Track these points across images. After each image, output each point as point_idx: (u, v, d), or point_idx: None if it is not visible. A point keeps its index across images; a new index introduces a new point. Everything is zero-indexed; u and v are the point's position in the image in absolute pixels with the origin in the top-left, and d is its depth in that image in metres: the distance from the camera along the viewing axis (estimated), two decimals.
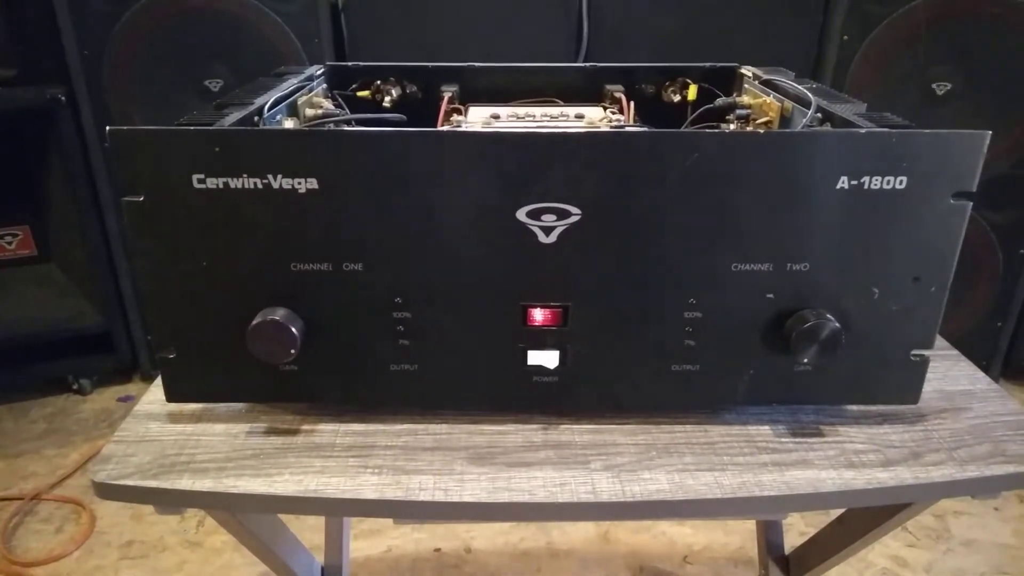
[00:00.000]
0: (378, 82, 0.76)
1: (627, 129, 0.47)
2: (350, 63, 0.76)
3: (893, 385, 0.55)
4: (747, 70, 0.74)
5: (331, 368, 0.55)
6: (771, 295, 0.52)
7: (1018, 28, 1.40)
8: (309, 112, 0.62)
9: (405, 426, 0.56)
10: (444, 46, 1.44)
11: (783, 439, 0.55)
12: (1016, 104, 1.47)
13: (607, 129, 0.48)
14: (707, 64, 0.76)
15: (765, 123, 0.62)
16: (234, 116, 0.53)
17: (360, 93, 0.76)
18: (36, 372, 1.71)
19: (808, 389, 0.55)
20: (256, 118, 0.56)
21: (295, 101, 0.62)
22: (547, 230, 0.50)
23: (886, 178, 0.49)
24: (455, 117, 0.60)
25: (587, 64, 0.77)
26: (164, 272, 0.51)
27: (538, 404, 0.57)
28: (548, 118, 0.66)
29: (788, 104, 0.61)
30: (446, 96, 0.73)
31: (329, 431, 0.56)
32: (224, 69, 1.47)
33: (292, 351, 0.51)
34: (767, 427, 0.56)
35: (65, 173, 1.54)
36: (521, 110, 0.69)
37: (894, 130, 0.49)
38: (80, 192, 1.54)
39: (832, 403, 0.57)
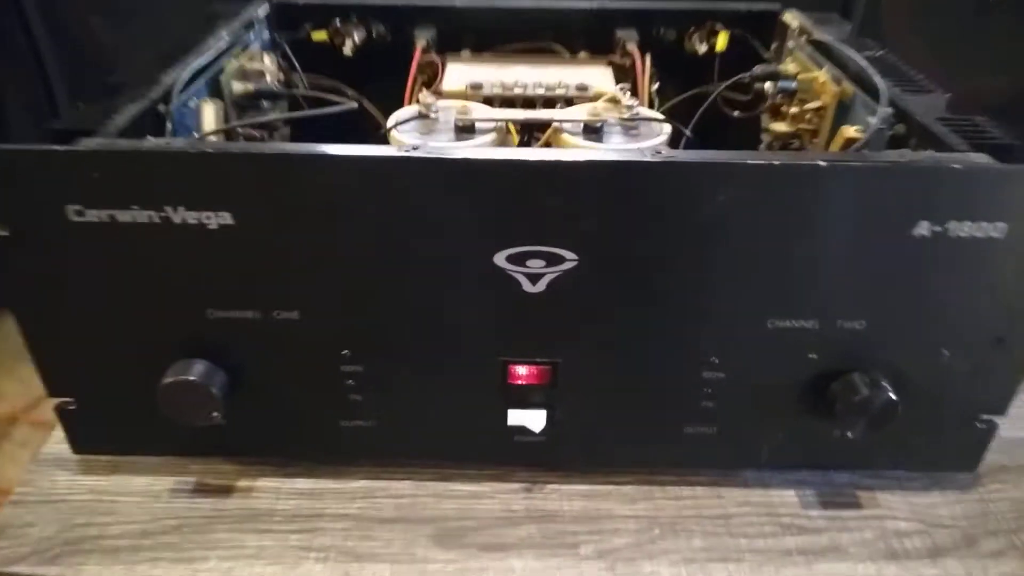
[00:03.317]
0: (337, 21, 0.62)
1: (642, 157, 0.35)
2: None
3: (949, 452, 0.46)
4: (792, 17, 0.60)
5: (267, 423, 0.45)
6: (814, 355, 0.42)
7: None
8: (237, 87, 0.49)
9: (361, 483, 0.47)
10: None
11: (811, 512, 0.46)
12: None
13: (613, 157, 0.36)
14: (742, 6, 0.62)
15: (816, 111, 0.49)
16: (127, 114, 0.41)
17: (315, 35, 0.62)
18: None
19: (846, 455, 0.46)
20: (161, 107, 0.43)
21: (221, 69, 0.49)
22: (534, 277, 0.39)
23: (980, 224, 0.37)
24: (424, 98, 0.47)
25: (594, 3, 0.62)
26: (50, 314, 0.41)
27: (521, 460, 0.47)
28: (543, 89, 0.52)
29: (847, 86, 0.48)
30: (419, 46, 0.59)
31: (270, 490, 0.47)
32: None
33: (214, 413, 0.42)
34: (792, 492, 0.47)
35: None
36: (510, 74, 0.55)
37: (1001, 166, 0.37)
38: None
39: (873, 468, 0.48)
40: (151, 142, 0.37)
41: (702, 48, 0.62)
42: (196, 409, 0.41)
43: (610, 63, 0.60)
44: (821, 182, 0.36)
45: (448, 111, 0.47)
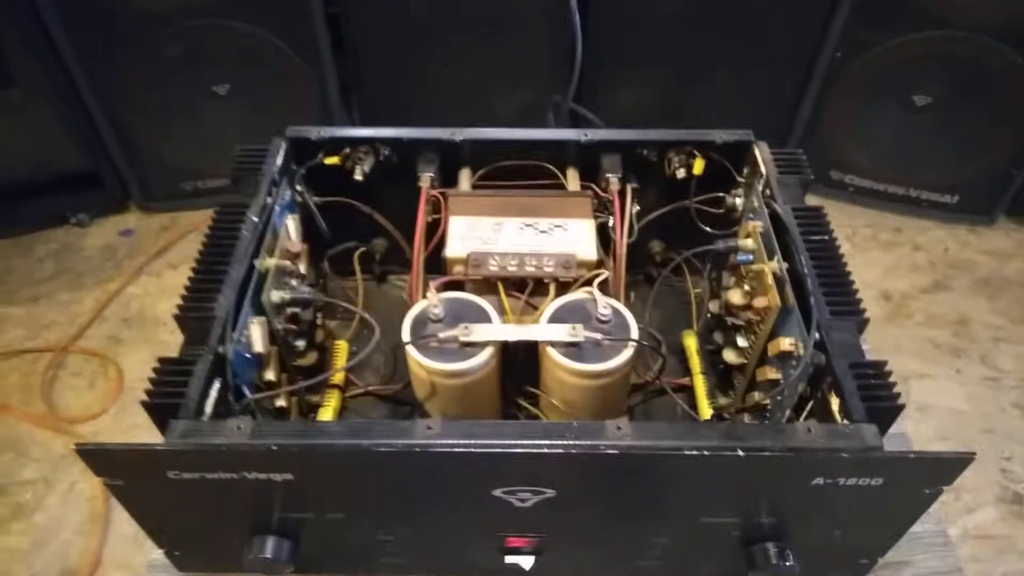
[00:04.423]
0: (347, 149, 0.68)
1: (604, 449, 0.45)
2: (313, 135, 0.67)
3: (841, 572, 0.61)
4: (761, 157, 0.65)
5: (326, 561, 0.59)
6: (737, 533, 0.55)
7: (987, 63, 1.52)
8: (275, 298, 0.57)
9: None
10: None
11: None
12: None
13: (582, 446, 0.47)
14: (718, 139, 0.67)
15: (762, 310, 0.58)
16: (198, 378, 0.51)
17: (328, 161, 0.68)
18: (31, 209, 1.71)
19: None
20: (221, 349, 0.53)
21: (261, 277, 0.57)
22: (523, 499, 0.51)
23: (863, 479, 0.49)
24: (432, 302, 0.55)
25: (583, 137, 0.67)
26: (159, 517, 0.54)
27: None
28: (533, 266, 0.61)
29: (789, 295, 0.56)
30: (424, 186, 0.66)
31: None
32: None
33: (286, 570, 0.56)
34: None
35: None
36: (506, 234, 0.63)
37: (882, 454, 0.47)
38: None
39: None
40: (223, 436, 0.48)
41: (680, 172, 0.68)
42: (272, 569, 0.56)
43: (595, 195, 0.67)
44: (742, 462, 0.47)
45: (452, 327, 0.56)
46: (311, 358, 0.64)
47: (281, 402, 0.59)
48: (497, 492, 0.50)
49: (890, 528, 0.55)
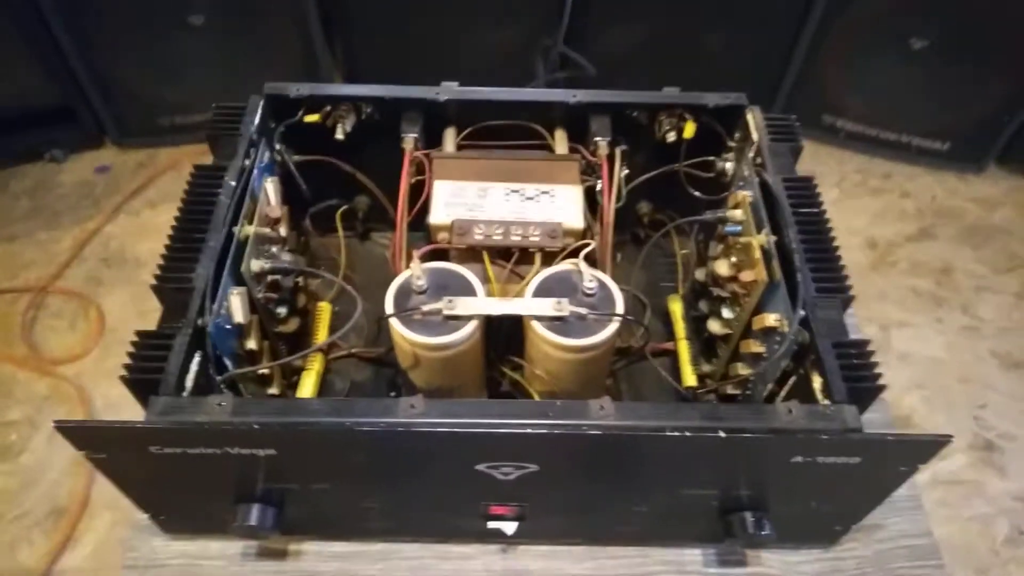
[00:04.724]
0: (328, 107, 0.66)
1: (586, 429, 0.45)
2: (292, 92, 0.65)
3: (817, 539, 0.62)
4: (753, 122, 0.64)
5: (311, 525, 0.60)
6: (716, 503, 0.56)
7: (984, 6, 1.50)
8: (256, 267, 0.56)
9: (380, 547, 0.63)
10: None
11: (710, 569, 0.63)
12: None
13: (565, 426, 0.47)
14: (710, 103, 0.65)
15: (749, 283, 0.57)
16: (178, 351, 0.50)
17: (308, 119, 0.66)
18: (4, 144, 1.66)
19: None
20: (200, 321, 0.52)
21: (240, 244, 0.56)
22: (506, 473, 0.52)
23: (840, 458, 0.49)
24: (416, 272, 0.54)
25: (571, 98, 0.65)
26: (140, 484, 0.54)
27: (497, 539, 0.63)
28: (519, 236, 0.60)
29: (776, 270, 0.56)
30: (408, 149, 0.64)
31: (313, 553, 0.63)
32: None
33: (272, 535, 0.57)
34: (699, 552, 0.64)
35: None
36: (491, 200, 0.62)
37: (859, 436, 0.48)
38: None
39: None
40: (204, 413, 0.47)
41: (671, 135, 0.67)
42: (258, 535, 0.57)
43: (583, 158, 0.66)
44: (723, 443, 0.48)
45: (436, 299, 0.55)
46: (293, 324, 0.64)
47: (264, 369, 0.59)
48: (480, 467, 0.51)
49: (864, 500, 0.56)
